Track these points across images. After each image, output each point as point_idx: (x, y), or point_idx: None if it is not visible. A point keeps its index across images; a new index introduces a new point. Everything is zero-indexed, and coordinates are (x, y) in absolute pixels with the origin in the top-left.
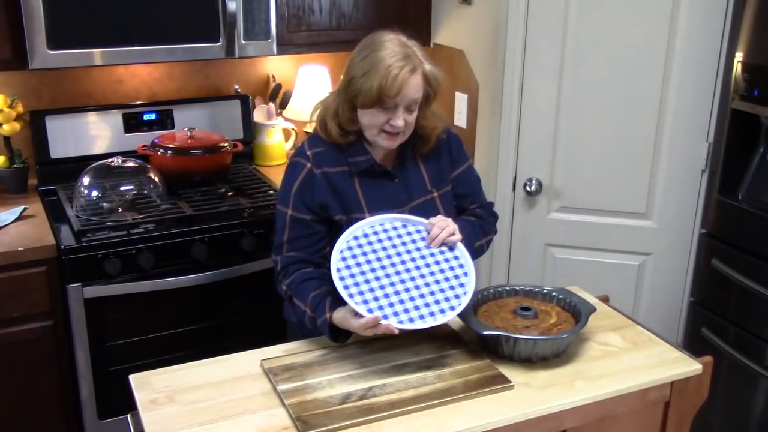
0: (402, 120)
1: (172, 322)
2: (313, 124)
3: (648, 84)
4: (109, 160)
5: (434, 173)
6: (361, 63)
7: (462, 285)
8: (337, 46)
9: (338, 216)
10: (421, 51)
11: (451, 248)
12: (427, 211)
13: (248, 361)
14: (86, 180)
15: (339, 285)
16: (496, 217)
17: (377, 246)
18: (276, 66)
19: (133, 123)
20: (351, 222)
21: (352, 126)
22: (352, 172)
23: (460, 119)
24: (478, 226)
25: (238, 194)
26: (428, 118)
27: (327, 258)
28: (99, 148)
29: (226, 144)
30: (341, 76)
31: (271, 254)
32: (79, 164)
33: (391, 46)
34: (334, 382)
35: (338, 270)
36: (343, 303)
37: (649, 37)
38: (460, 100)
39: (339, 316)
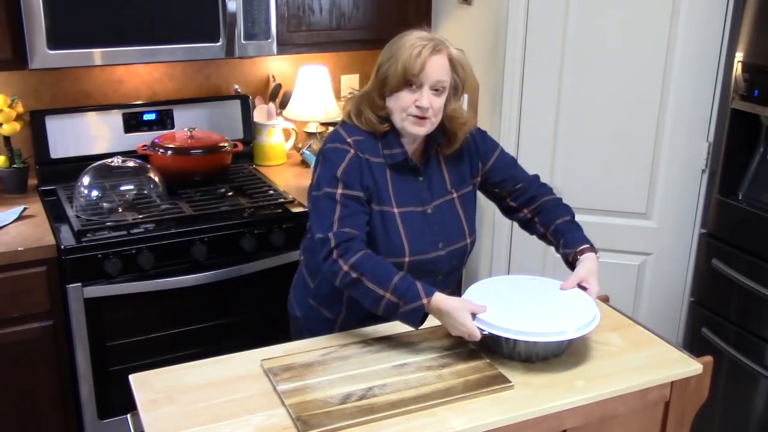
0: (427, 100)
1: (172, 322)
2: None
3: (648, 84)
4: (109, 160)
5: (455, 175)
6: (387, 50)
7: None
8: (337, 46)
9: (373, 204)
10: (448, 41)
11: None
12: (446, 211)
13: (248, 361)
14: (86, 180)
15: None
16: (550, 189)
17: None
18: (276, 66)
19: (133, 123)
20: (381, 214)
21: (383, 113)
22: (386, 165)
23: None
24: (570, 221)
25: (238, 194)
26: (458, 111)
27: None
28: (99, 148)
29: (226, 144)
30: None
31: (316, 234)
32: (79, 164)
33: (417, 32)
34: (334, 382)
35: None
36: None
37: (649, 37)
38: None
39: (445, 305)
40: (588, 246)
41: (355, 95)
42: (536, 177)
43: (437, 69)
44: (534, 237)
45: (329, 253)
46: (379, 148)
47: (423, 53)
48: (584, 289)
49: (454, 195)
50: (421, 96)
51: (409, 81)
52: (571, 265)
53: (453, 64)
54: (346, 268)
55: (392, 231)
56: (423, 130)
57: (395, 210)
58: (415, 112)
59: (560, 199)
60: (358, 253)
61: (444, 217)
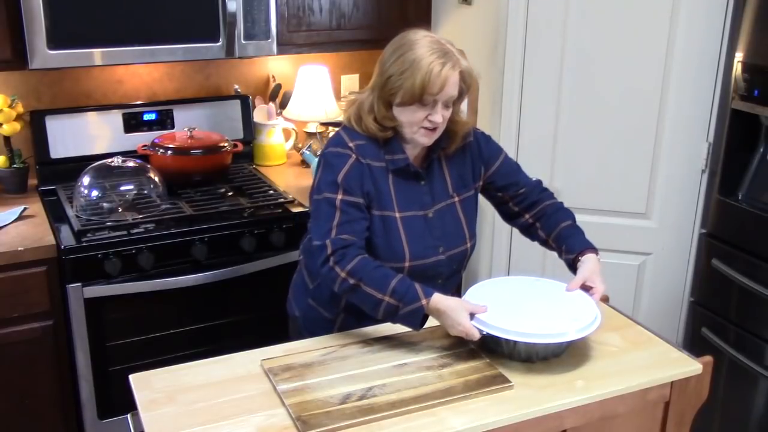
0: (441, 115)
1: (172, 322)
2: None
3: (648, 84)
4: (109, 160)
5: (457, 178)
6: (398, 61)
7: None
8: (337, 46)
9: (373, 210)
10: (454, 47)
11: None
12: (447, 215)
13: (248, 361)
14: (86, 180)
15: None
16: (551, 194)
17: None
18: (276, 66)
19: (133, 123)
20: (382, 218)
21: (389, 123)
22: (389, 169)
23: None
24: (571, 225)
25: (237, 194)
26: (459, 113)
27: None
28: (99, 148)
29: (226, 144)
30: (374, 74)
31: (314, 241)
32: (79, 164)
33: (427, 42)
34: (334, 382)
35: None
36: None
37: (649, 37)
38: None
39: (443, 305)
40: (589, 247)
41: (356, 99)
42: (539, 182)
43: (453, 87)
44: (534, 243)
45: (326, 259)
46: (381, 153)
47: (443, 73)
48: (589, 289)
49: (456, 199)
50: (435, 112)
51: (424, 98)
52: (575, 269)
53: (463, 76)
54: (343, 274)
55: (393, 236)
56: (432, 139)
57: (397, 215)
58: (427, 126)
59: (561, 204)
60: (355, 259)
61: (445, 222)
